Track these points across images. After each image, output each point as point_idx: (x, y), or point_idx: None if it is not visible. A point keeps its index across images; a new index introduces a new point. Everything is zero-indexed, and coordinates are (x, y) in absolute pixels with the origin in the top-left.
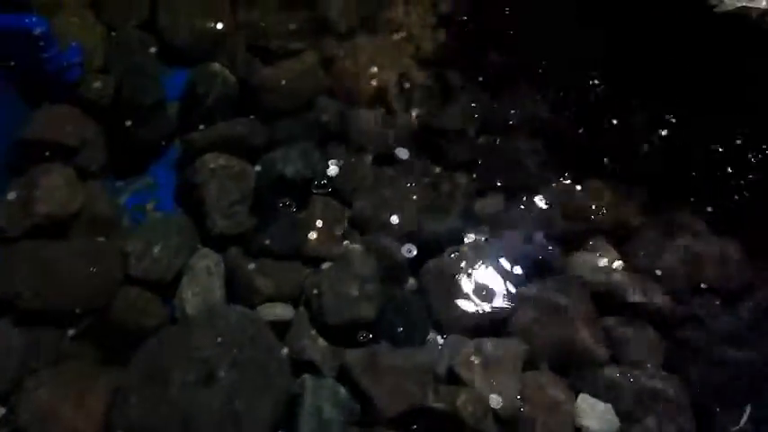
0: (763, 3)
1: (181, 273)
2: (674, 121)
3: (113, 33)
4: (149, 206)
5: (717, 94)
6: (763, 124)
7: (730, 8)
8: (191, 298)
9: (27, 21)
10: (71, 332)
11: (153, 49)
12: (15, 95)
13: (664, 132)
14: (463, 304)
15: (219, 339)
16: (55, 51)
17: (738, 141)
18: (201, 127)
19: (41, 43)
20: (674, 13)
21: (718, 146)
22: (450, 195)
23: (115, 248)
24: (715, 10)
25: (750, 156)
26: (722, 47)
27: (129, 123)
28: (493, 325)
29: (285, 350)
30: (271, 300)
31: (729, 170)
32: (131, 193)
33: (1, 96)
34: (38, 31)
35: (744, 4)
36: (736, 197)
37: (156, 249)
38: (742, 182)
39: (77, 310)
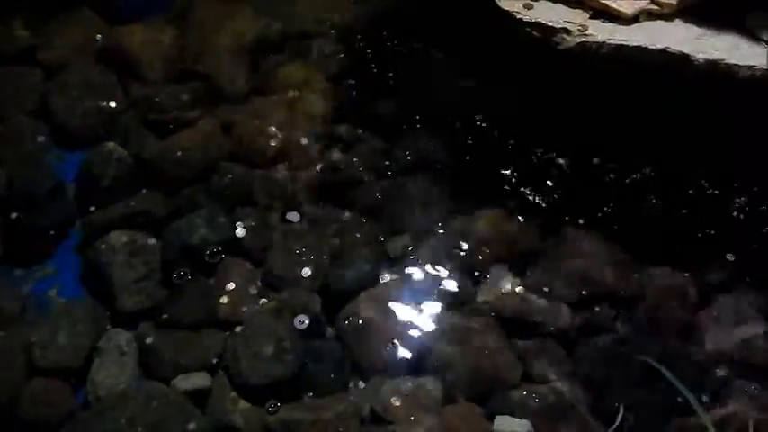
0: (599, 37)
1: (91, 356)
2: (551, 148)
3: (2, 125)
4: (53, 293)
5: (586, 120)
6: (623, 140)
7: (571, 44)
8: (103, 380)
9: None
10: None
11: (44, 137)
12: None
13: (546, 159)
14: (380, 346)
15: (130, 421)
16: None
17: (613, 157)
18: (99, 208)
19: None
20: (531, 55)
21: (597, 164)
22: (359, 241)
23: (18, 341)
24: (559, 47)
25: (628, 169)
26: (573, 79)
27: (25, 213)
28: (410, 363)
29: (196, 423)
30: (186, 370)
31: (611, 185)
32: (33, 282)
33: None
34: None
35: (582, 39)
36: (621, 209)
37: (62, 336)
38: (623, 193)
39: None
